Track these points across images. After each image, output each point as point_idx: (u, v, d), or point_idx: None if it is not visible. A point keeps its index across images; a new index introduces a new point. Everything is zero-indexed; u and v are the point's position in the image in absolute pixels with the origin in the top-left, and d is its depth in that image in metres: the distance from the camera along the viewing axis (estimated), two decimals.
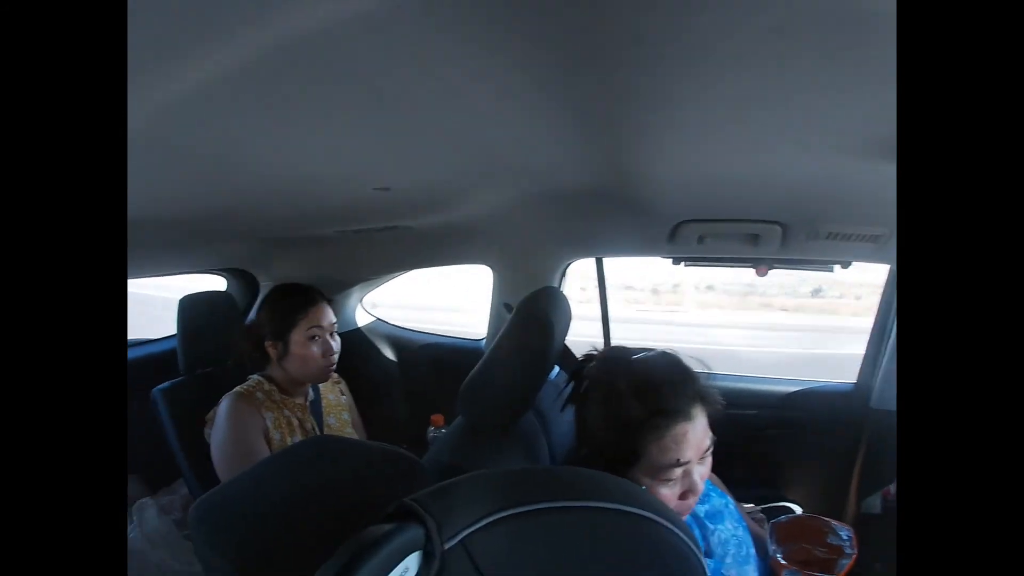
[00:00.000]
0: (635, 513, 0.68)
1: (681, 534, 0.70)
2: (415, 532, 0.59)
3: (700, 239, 1.85)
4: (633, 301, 8.82)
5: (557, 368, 1.71)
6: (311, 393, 1.97)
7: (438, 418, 2.06)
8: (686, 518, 1.13)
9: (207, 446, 1.82)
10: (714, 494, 1.32)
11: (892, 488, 1.86)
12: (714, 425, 1.11)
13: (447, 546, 0.59)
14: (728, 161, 1.22)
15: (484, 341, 2.39)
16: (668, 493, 1.08)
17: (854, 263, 1.86)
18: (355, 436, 2.03)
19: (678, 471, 1.07)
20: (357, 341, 2.69)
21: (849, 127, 0.94)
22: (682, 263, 2.02)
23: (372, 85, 0.74)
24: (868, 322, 2.12)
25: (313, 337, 1.82)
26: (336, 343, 1.89)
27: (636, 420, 1.05)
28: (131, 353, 2.78)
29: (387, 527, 0.59)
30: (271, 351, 1.85)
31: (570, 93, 0.83)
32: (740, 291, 9.07)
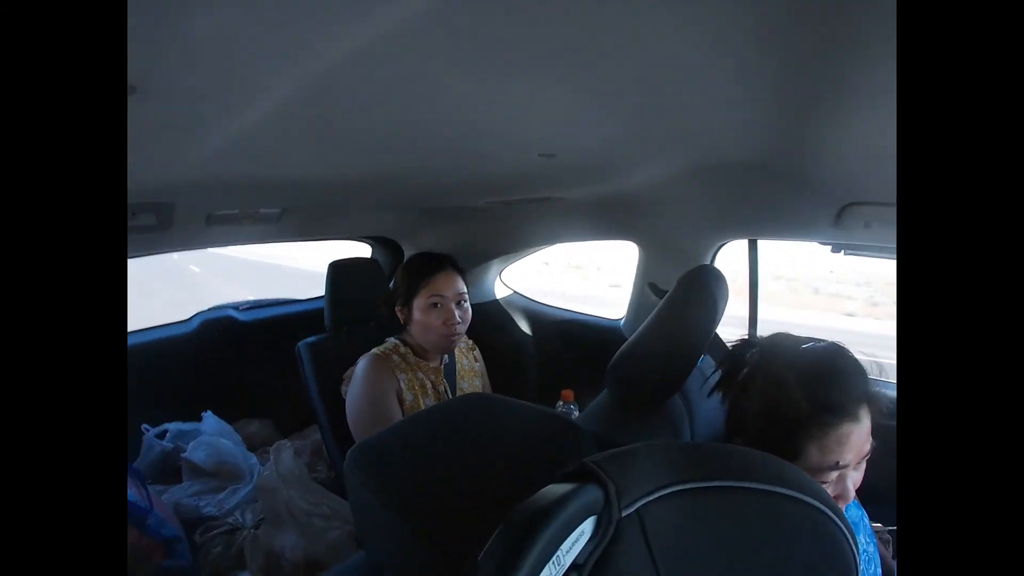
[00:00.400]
0: (807, 502, 0.64)
1: (847, 534, 0.66)
2: (595, 494, 0.57)
3: (867, 224, 1.68)
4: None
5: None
6: (446, 358, 2.00)
7: (568, 393, 2.04)
8: None
9: (343, 401, 1.91)
10: (852, 504, 1.21)
11: None
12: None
13: (624, 514, 0.57)
14: None
15: (623, 321, 2.32)
16: None
17: None
18: None
19: (834, 474, 0.99)
20: (494, 312, 2.74)
21: None
22: (842, 251, 1.85)
23: (552, 38, 0.72)
24: None
25: (435, 305, 1.84)
26: (462, 312, 1.88)
27: (800, 415, 0.98)
28: (278, 310, 3.01)
29: (568, 487, 0.57)
30: (400, 315, 1.91)
31: (752, 58, 0.78)
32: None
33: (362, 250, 2.86)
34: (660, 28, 0.71)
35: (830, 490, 0.99)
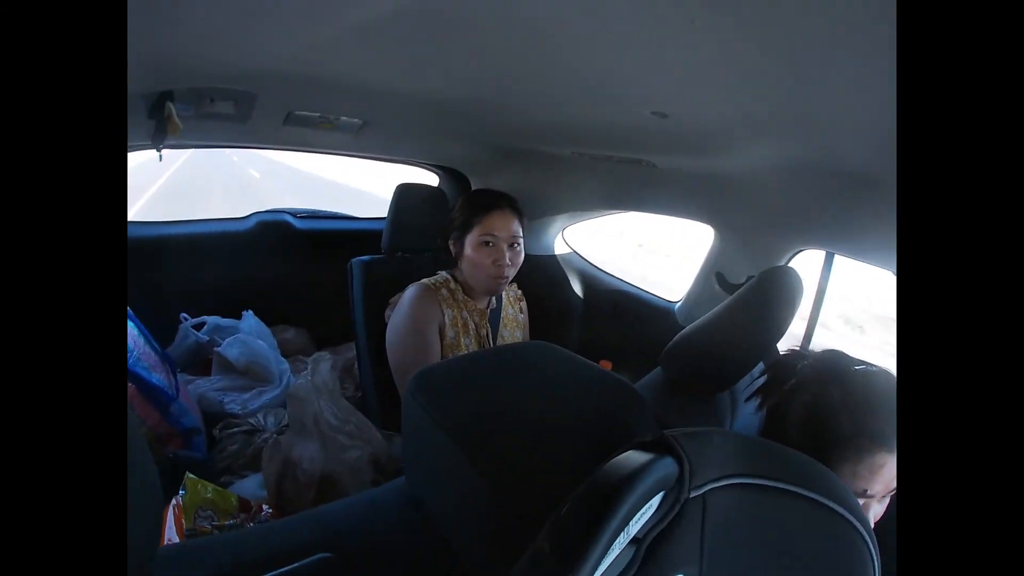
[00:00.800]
0: (853, 524, 0.63)
1: (875, 566, 0.65)
2: (671, 469, 0.55)
3: None
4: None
5: None
6: (493, 302, 1.98)
7: (606, 364, 2.01)
8: None
9: (384, 324, 1.91)
10: None
11: None
12: None
13: (692, 495, 0.56)
14: None
15: (679, 304, 2.26)
16: None
17: None
18: None
19: (860, 502, 0.95)
20: (549, 267, 2.70)
21: None
22: None
23: None
24: None
25: (487, 243, 1.80)
26: (513, 255, 1.84)
27: (839, 436, 0.96)
28: (333, 224, 3.06)
29: (646, 456, 0.55)
30: (452, 248, 1.89)
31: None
32: None
33: (430, 180, 2.83)
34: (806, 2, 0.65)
35: None
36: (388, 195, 2.15)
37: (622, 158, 1.88)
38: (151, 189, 11.36)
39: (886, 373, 1.02)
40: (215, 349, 2.47)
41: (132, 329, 1.96)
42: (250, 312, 2.68)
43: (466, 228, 1.82)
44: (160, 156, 1.77)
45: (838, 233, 1.70)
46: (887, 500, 1.01)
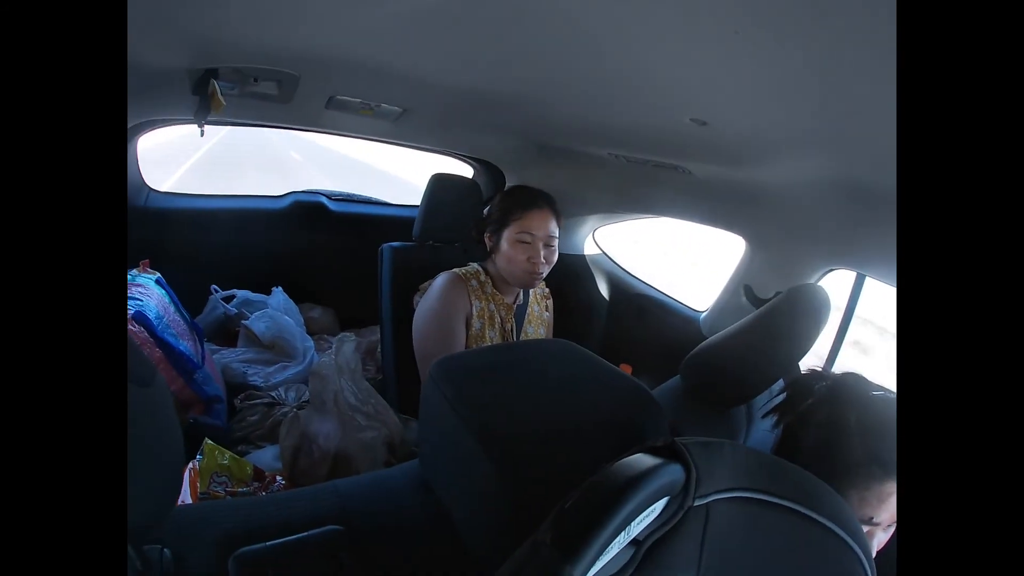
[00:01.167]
0: (856, 552, 0.64)
1: None
2: (677, 476, 0.56)
3: None
4: None
5: None
6: (521, 297, 1.99)
7: (627, 367, 2.01)
8: None
9: (410, 310, 1.92)
10: None
11: None
12: None
13: (696, 503, 0.57)
14: None
15: (704, 314, 2.26)
16: None
17: None
18: None
19: (865, 529, 0.94)
20: (578, 267, 2.71)
21: None
22: None
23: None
24: None
25: (523, 241, 1.81)
26: (548, 254, 1.85)
27: (850, 461, 0.95)
28: (367, 208, 3.10)
29: (655, 460, 0.56)
30: (487, 242, 1.90)
31: None
32: None
33: (464, 172, 2.85)
34: (852, 14, 0.65)
35: None
36: (422, 184, 2.17)
37: (658, 162, 1.88)
38: (188, 161, 11.52)
39: None
40: (243, 322, 2.52)
41: (163, 296, 2.01)
42: (279, 288, 2.73)
43: (504, 223, 1.84)
44: (202, 132, 1.81)
45: (871, 256, 1.69)
46: (892, 529, 1.00)
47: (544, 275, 1.88)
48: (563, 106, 1.54)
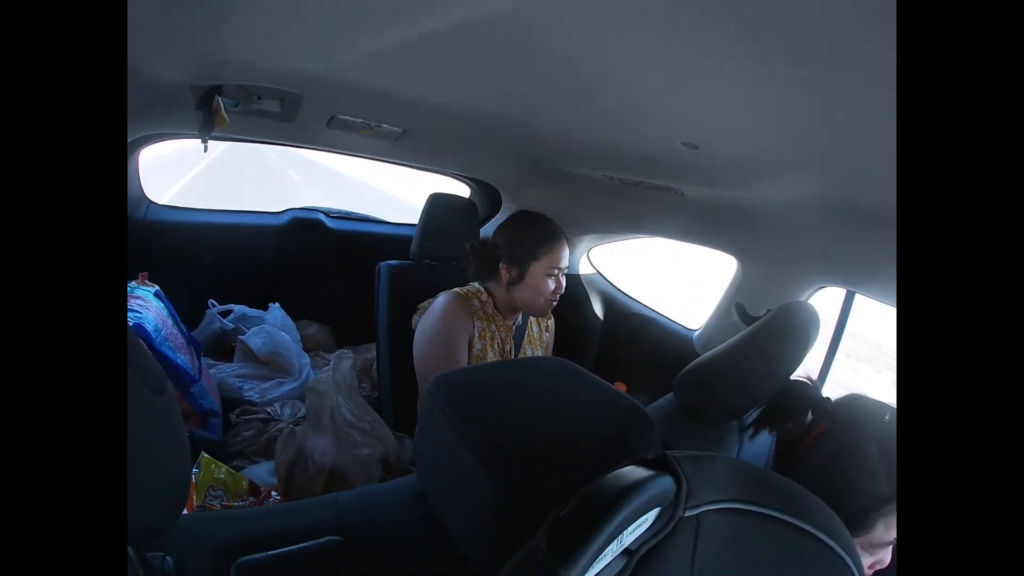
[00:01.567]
0: (845, 561, 0.65)
1: None
2: (668, 487, 0.58)
3: None
4: None
5: None
6: (520, 319, 2.01)
7: (621, 385, 2.02)
8: None
9: (408, 328, 1.94)
10: None
11: None
12: None
13: (687, 514, 0.59)
14: None
15: (696, 334, 2.27)
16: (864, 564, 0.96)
17: None
18: None
19: (889, 549, 0.96)
20: (572, 287, 2.72)
21: None
22: None
23: (740, 28, 0.69)
24: None
25: (551, 275, 1.85)
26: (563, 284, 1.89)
27: (877, 492, 0.92)
28: (365, 226, 3.13)
29: (645, 472, 0.58)
30: (504, 273, 1.90)
31: None
32: None
33: (461, 192, 2.87)
34: (831, 48, 0.68)
35: (872, 559, 0.97)
36: (420, 203, 2.20)
37: (651, 184, 1.90)
38: (189, 174, 11.54)
39: None
40: (239, 337, 2.53)
41: (161, 309, 2.02)
42: (277, 305, 2.74)
43: (533, 256, 1.86)
44: (205, 147, 1.83)
45: (862, 273, 1.71)
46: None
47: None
48: (558, 130, 1.57)
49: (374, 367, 2.43)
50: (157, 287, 2.11)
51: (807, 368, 1.45)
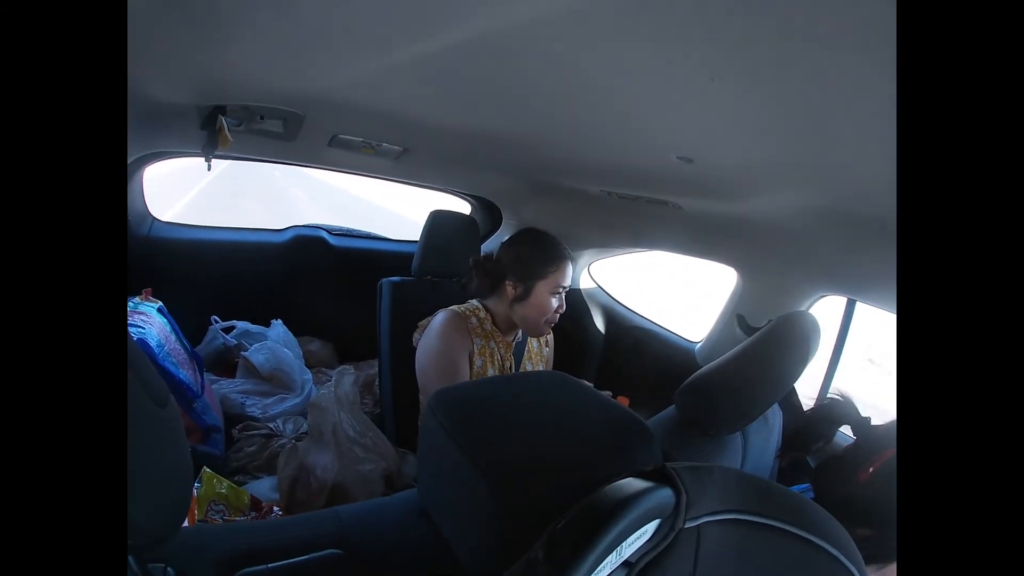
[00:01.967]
0: (847, 567, 0.65)
1: None
2: (667, 499, 0.58)
3: None
4: None
5: None
6: (519, 335, 2.01)
7: (624, 400, 2.02)
8: None
9: (410, 345, 1.94)
10: None
11: None
12: None
13: (687, 525, 0.59)
14: None
15: (699, 345, 2.28)
16: None
17: None
18: None
19: None
20: (573, 301, 2.73)
21: None
22: None
23: (730, 47, 0.71)
24: None
25: (556, 294, 1.85)
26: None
27: None
28: (367, 243, 3.14)
29: (644, 484, 0.58)
30: (509, 289, 1.89)
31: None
32: None
33: (462, 209, 2.89)
34: (817, 61, 0.69)
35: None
36: (421, 220, 2.21)
37: (649, 198, 1.92)
38: (192, 191, 11.59)
39: None
40: (242, 353, 2.54)
41: (164, 325, 2.03)
42: (279, 321, 2.74)
43: (539, 275, 1.85)
44: (209, 166, 1.85)
45: (860, 280, 1.73)
46: None
47: None
48: (558, 148, 1.58)
49: (376, 383, 2.44)
50: (160, 303, 2.12)
51: (807, 378, 1.46)
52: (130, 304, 2.03)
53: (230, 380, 2.50)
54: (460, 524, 0.82)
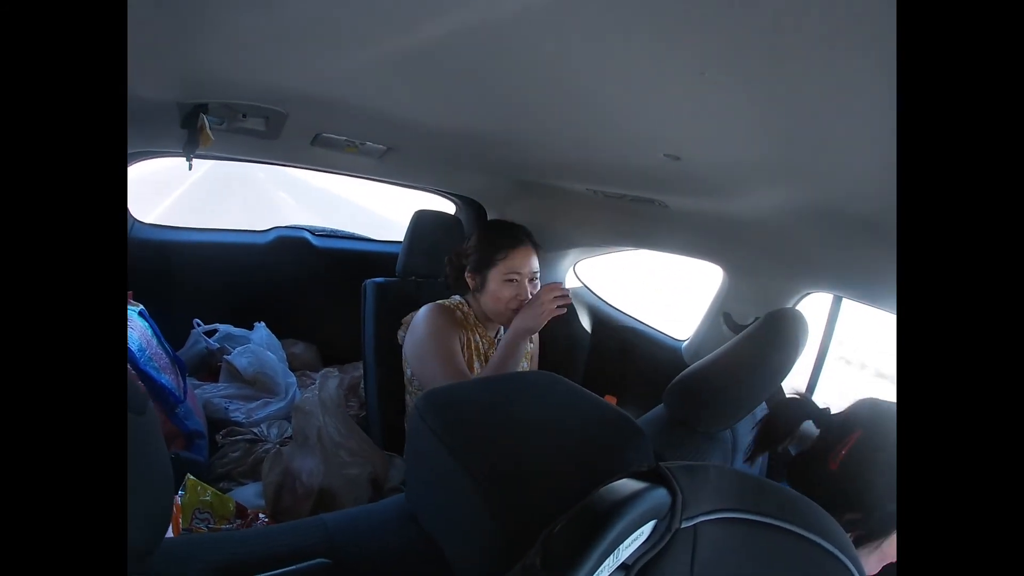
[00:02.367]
0: (844, 564, 0.65)
1: None
2: (663, 499, 0.57)
3: None
4: None
5: None
6: (502, 330, 2.00)
7: (611, 398, 2.02)
8: None
9: (395, 345, 1.92)
10: None
11: None
12: None
13: (683, 525, 0.58)
14: None
15: (686, 343, 2.28)
16: None
17: None
18: None
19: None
20: None
21: None
22: None
23: (718, 44, 0.69)
24: None
25: (510, 280, 1.81)
26: (533, 289, 1.85)
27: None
28: (350, 244, 3.13)
29: (640, 485, 0.57)
30: (469, 281, 1.89)
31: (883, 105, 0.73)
32: None
33: (447, 208, 2.88)
34: (810, 58, 0.68)
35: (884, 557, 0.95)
36: (406, 220, 2.20)
37: (635, 197, 1.91)
38: (174, 193, 11.51)
39: None
40: (225, 357, 2.51)
41: (146, 329, 2.00)
42: (262, 324, 2.72)
43: (488, 263, 1.83)
44: (190, 166, 1.82)
45: (846, 277, 1.73)
46: None
47: None
48: (542, 146, 1.57)
49: (361, 386, 2.42)
50: (142, 306, 2.09)
51: (794, 377, 1.46)
52: None
53: (213, 384, 2.47)
54: (452, 530, 0.80)
